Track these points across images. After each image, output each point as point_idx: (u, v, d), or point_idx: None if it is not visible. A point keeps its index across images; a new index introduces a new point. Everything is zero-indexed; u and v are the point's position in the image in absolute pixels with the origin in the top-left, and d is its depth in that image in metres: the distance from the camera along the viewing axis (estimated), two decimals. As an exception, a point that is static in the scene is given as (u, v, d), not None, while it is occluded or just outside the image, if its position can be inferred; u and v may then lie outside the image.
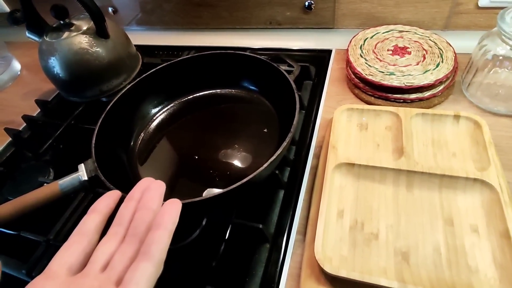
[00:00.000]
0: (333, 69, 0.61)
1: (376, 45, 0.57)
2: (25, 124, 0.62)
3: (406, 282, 0.31)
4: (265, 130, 0.47)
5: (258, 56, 0.49)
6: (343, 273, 0.32)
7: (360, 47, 0.57)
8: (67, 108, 0.61)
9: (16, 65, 0.80)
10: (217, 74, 0.52)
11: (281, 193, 0.43)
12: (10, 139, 0.60)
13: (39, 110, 0.65)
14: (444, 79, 0.49)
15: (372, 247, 0.35)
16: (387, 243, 0.35)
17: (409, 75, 0.50)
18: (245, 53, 0.50)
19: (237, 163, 0.44)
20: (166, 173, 0.46)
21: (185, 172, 0.45)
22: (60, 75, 0.56)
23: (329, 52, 0.65)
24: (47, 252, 0.40)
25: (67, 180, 0.38)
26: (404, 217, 0.37)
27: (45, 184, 0.49)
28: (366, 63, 0.54)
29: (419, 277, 0.32)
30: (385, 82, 0.50)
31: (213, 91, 0.54)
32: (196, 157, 0.45)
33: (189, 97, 0.54)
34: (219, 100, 0.53)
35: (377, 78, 0.51)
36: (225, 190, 0.33)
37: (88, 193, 0.46)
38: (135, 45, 0.65)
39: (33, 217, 0.40)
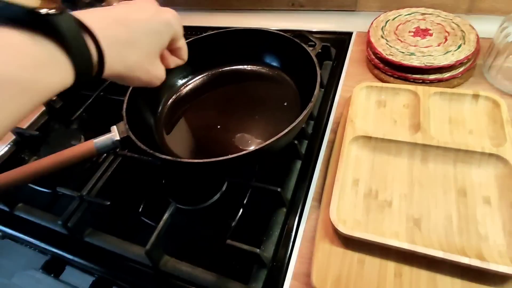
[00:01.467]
0: (353, 51, 0.62)
1: (397, 26, 0.57)
2: (57, 96, 0.66)
3: (417, 244, 0.32)
4: (285, 104, 0.49)
5: (280, 33, 0.50)
6: (356, 234, 0.34)
7: (382, 29, 0.57)
8: (96, 81, 0.64)
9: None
10: (241, 50, 0.54)
11: (299, 163, 0.45)
12: (44, 108, 0.64)
13: (69, 83, 0.69)
14: (465, 60, 0.49)
15: (385, 214, 0.37)
16: (399, 210, 0.37)
17: (430, 55, 0.51)
18: (268, 29, 0.51)
19: (257, 133, 0.46)
20: (190, 139, 0.48)
21: (208, 139, 0.47)
22: (92, 48, 0.59)
23: (349, 34, 0.65)
24: (81, 206, 0.44)
25: (102, 140, 0.41)
26: (418, 187, 0.38)
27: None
28: (387, 43, 0.55)
29: (429, 241, 0.34)
30: (405, 62, 0.51)
31: (237, 66, 0.56)
32: (219, 127, 0.48)
33: (214, 71, 0.56)
34: (242, 75, 0.55)
35: (397, 58, 0.51)
36: (245, 152, 0.35)
37: (117, 156, 0.49)
38: (161, 23, 0.68)
39: (66, 176, 0.44)
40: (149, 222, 0.45)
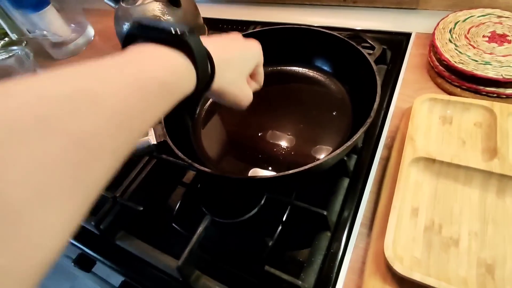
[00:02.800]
0: (412, 54, 0.55)
1: (469, 30, 0.50)
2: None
3: (492, 298, 0.27)
4: (334, 114, 0.44)
5: (335, 34, 0.45)
6: (416, 276, 0.29)
7: (450, 31, 0.50)
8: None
9: (91, 31, 0.84)
10: (289, 50, 0.50)
11: (346, 181, 0.41)
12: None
13: (109, 74, 0.68)
14: (555, 74, 0.41)
15: (451, 254, 0.32)
16: (469, 252, 0.31)
17: (509, 66, 0.43)
18: (321, 29, 0.46)
19: (302, 145, 0.42)
20: (228, 145, 0.45)
21: (247, 147, 0.44)
22: (132, 41, 0.58)
23: (407, 35, 0.59)
24: (114, 208, 0.42)
25: (138, 142, 0.38)
26: (492, 225, 0.33)
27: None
28: (456, 49, 0.48)
29: (507, 295, 0.28)
30: (478, 72, 0.44)
31: (283, 67, 0.52)
32: (260, 134, 0.44)
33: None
34: (288, 77, 0.51)
35: (469, 67, 0.45)
36: (289, 172, 0.32)
37: (152, 158, 0.47)
38: (202, 17, 0.65)
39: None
40: (180, 230, 0.42)
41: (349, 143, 0.32)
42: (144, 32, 0.24)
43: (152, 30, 0.23)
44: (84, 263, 0.52)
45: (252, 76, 0.36)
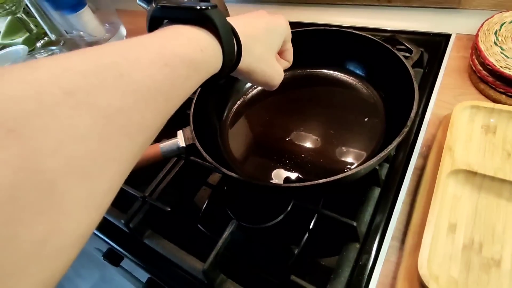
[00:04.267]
0: (451, 57, 0.52)
1: (517, 31, 0.46)
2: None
3: (539, 328, 0.25)
4: (366, 119, 0.42)
5: (368, 35, 0.43)
6: (453, 297, 0.27)
7: (495, 33, 0.47)
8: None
9: (123, 31, 0.86)
10: (319, 52, 0.49)
11: (377, 191, 0.39)
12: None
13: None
14: None
15: (492, 276, 0.29)
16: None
17: None
18: (353, 31, 0.45)
19: (332, 152, 0.41)
20: (255, 149, 0.45)
21: (275, 152, 0.43)
22: (163, 42, 0.59)
23: (447, 36, 0.55)
24: (143, 208, 0.43)
25: (168, 144, 0.39)
26: (540, 248, 0.30)
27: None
28: (501, 52, 0.44)
29: (557, 326, 0.26)
30: (527, 79, 0.40)
31: (313, 70, 0.50)
32: (288, 139, 0.43)
33: (286, 74, 0.51)
34: (318, 80, 0.49)
35: (517, 72, 0.41)
36: (320, 182, 0.31)
37: (179, 159, 0.48)
38: (232, 17, 0.65)
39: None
40: (206, 232, 0.43)
41: (383, 153, 0.31)
42: (166, 13, 0.24)
43: (174, 10, 0.23)
44: (112, 257, 0.54)
45: (281, 53, 0.35)
